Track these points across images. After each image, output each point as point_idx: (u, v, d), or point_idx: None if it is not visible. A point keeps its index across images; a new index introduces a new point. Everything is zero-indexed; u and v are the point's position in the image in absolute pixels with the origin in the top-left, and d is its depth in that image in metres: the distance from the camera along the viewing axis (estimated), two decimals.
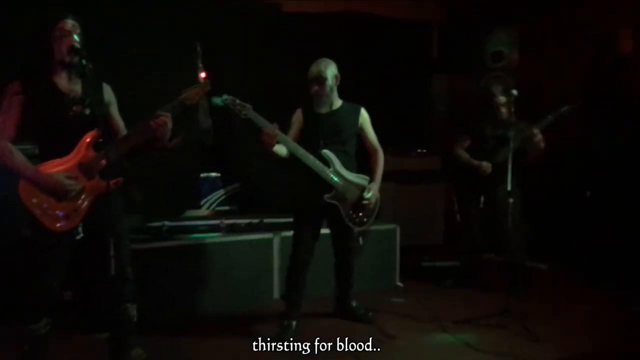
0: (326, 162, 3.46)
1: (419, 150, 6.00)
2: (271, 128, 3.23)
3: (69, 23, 2.58)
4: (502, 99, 4.43)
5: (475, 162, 4.43)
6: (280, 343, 3.36)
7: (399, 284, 4.75)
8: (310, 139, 3.50)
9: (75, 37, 2.56)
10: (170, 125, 2.62)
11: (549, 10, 5.88)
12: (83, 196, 2.56)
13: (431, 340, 3.52)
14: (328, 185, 3.44)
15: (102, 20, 4.62)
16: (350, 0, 6.18)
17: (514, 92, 4.09)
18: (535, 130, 4.13)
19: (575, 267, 5.13)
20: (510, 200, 3.80)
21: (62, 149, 2.57)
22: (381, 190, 5.58)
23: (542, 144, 4.17)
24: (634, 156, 4.89)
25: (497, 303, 3.82)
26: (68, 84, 2.62)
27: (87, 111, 2.58)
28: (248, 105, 3.26)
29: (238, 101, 3.26)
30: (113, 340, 2.84)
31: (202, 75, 5.31)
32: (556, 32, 5.88)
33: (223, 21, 5.42)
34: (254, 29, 5.57)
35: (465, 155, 4.53)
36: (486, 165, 4.36)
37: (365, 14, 6.22)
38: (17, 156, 2.51)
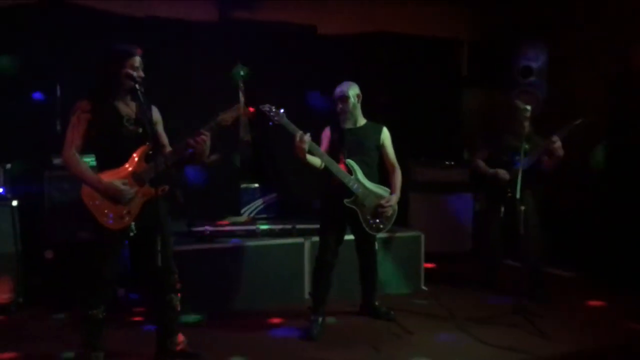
0: (349, 171, 3.83)
1: (447, 162, 6.27)
2: (302, 135, 3.60)
3: (137, 60, 3.02)
4: (526, 113, 4.56)
5: (490, 170, 4.67)
6: (308, 334, 3.76)
7: (424, 288, 5.03)
8: (336, 151, 3.89)
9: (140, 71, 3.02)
10: (209, 143, 3.04)
11: (576, 27, 6.06)
12: (135, 200, 3.00)
13: (446, 336, 3.81)
14: (350, 192, 3.81)
15: (152, 43, 5.13)
16: (383, 21, 6.54)
17: (528, 107, 4.39)
18: (555, 138, 4.37)
19: (599, 275, 5.30)
20: (522, 207, 4.07)
21: (117, 161, 3.02)
22: (413, 199, 5.97)
23: (561, 152, 4.40)
24: None
25: (513, 305, 4.09)
26: (125, 106, 3.08)
27: (140, 129, 3.04)
28: (281, 112, 3.66)
29: (274, 108, 3.66)
30: (159, 327, 3.26)
31: (242, 98, 5.80)
32: (582, 47, 6.05)
33: (262, 43, 5.85)
34: (292, 50, 6.00)
35: (482, 164, 4.78)
36: (502, 172, 4.59)
37: (397, 33, 6.57)
38: (83, 165, 2.97)
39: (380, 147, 4.02)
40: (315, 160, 3.81)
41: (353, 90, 3.94)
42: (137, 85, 2.94)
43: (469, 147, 6.56)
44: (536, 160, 4.49)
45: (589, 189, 5.70)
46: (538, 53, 6.16)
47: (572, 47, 6.15)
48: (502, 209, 4.63)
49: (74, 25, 5.01)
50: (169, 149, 3.14)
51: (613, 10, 5.69)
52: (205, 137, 3.02)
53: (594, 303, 4.60)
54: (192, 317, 3.98)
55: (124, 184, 2.96)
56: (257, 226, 4.72)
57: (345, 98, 3.91)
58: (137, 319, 4.04)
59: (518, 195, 4.08)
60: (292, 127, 3.66)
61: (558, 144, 4.38)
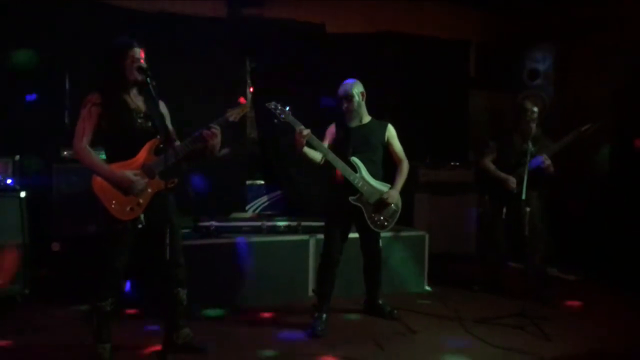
0: (354, 168, 3.85)
1: (452, 163, 6.28)
2: (302, 129, 3.64)
3: (137, 51, 3.05)
4: (533, 114, 4.59)
5: (503, 175, 4.63)
6: (312, 331, 3.77)
7: (428, 288, 5.04)
8: (341, 148, 3.91)
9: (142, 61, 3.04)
10: (220, 137, 3.07)
11: (585, 31, 6.06)
12: (145, 192, 3.02)
13: (449, 335, 3.82)
14: (354, 189, 3.83)
15: (162, 38, 5.19)
16: (391, 21, 6.55)
17: (535, 109, 4.40)
18: (544, 157, 4.39)
19: (604, 278, 5.32)
20: (527, 209, 4.07)
21: (127, 153, 3.04)
22: (418, 200, 5.98)
23: (551, 169, 4.42)
24: None
25: (517, 307, 4.09)
26: (134, 100, 3.10)
27: (149, 123, 3.06)
28: (287, 109, 3.68)
29: (280, 106, 3.69)
30: (165, 320, 3.28)
31: (251, 90, 5.87)
32: (590, 52, 6.05)
33: (270, 40, 5.88)
34: (300, 47, 6.01)
35: (492, 166, 4.76)
36: (512, 181, 4.56)
37: (405, 33, 6.57)
38: (95, 156, 2.98)
39: (386, 144, 4.04)
40: (315, 155, 3.84)
41: (357, 89, 3.95)
42: (148, 79, 2.96)
43: (475, 149, 6.57)
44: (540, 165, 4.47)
45: (594, 193, 5.71)
46: (545, 55, 6.18)
47: (579, 51, 6.16)
48: (504, 210, 4.65)
49: (84, 19, 5.03)
50: (177, 142, 3.15)
51: (621, 15, 5.68)
52: (216, 131, 3.05)
53: (598, 306, 4.61)
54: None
55: (135, 175, 2.99)
56: (276, 223, 4.76)
57: (349, 97, 3.92)
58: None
59: (524, 197, 4.08)
60: (298, 123, 3.69)
61: (547, 162, 4.40)
